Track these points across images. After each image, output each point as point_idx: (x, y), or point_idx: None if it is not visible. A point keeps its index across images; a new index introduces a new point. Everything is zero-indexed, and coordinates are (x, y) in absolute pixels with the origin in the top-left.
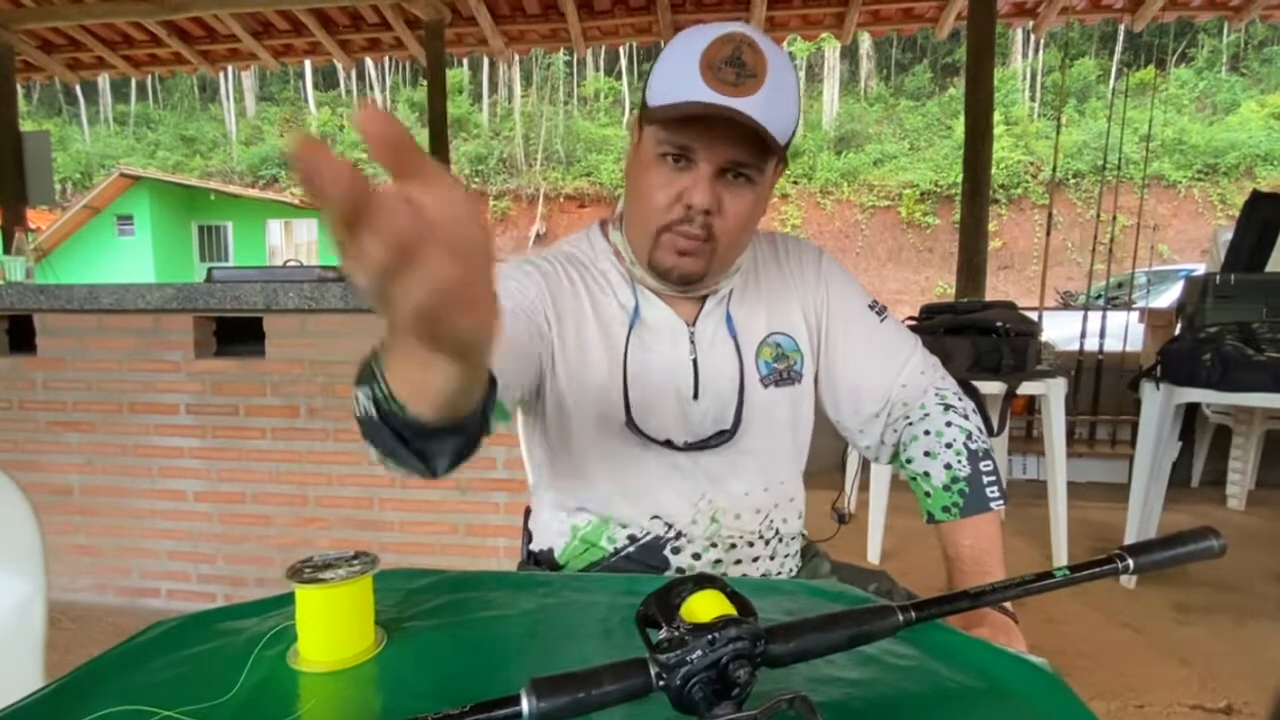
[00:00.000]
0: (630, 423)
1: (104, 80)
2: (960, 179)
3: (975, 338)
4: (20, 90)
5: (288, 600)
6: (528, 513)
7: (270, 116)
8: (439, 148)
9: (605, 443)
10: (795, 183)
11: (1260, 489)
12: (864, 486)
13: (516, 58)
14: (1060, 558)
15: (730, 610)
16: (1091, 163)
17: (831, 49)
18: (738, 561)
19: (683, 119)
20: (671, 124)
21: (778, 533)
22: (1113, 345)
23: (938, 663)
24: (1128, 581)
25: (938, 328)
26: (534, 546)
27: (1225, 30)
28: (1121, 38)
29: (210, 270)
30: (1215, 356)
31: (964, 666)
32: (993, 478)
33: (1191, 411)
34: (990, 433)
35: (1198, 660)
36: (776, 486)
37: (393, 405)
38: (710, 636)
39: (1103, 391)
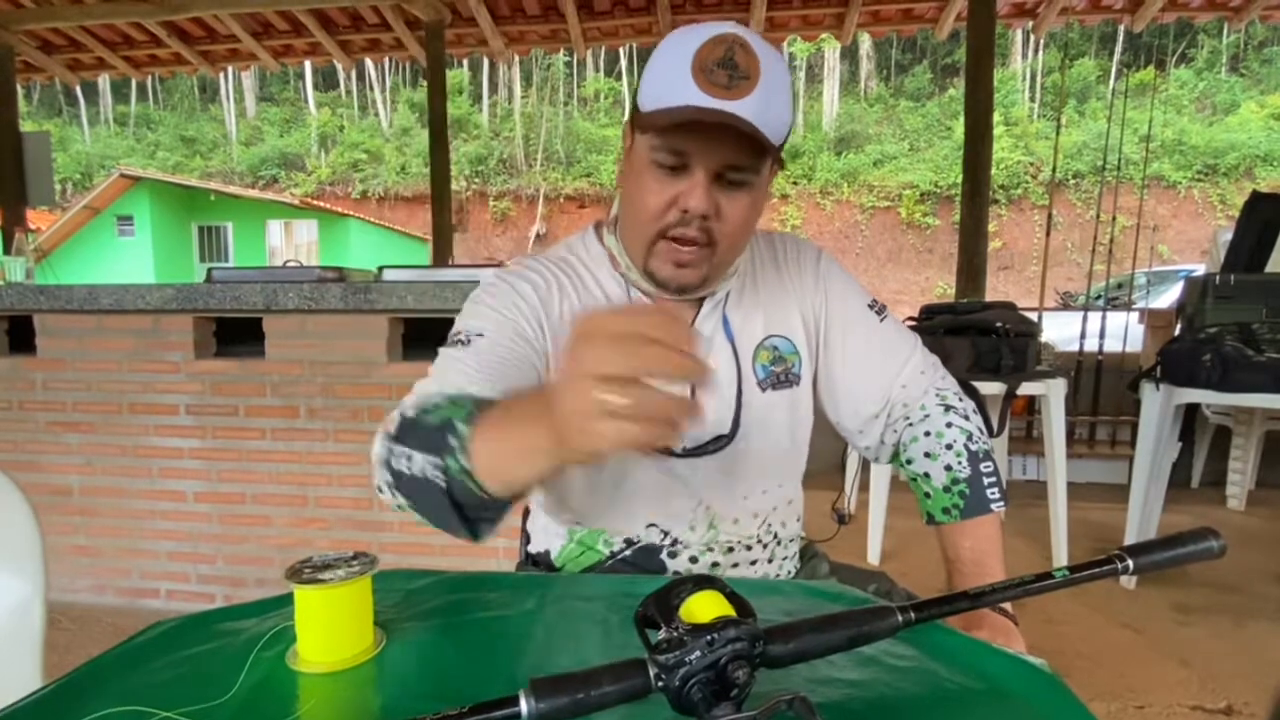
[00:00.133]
0: None
1: (104, 81)
2: (960, 179)
3: (975, 338)
4: (20, 91)
5: (287, 601)
6: (526, 514)
7: (270, 117)
8: (439, 148)
9: None
10: (795, 183)
11: (1260, 489)
12: (864, 487)
13: (516, 58)
14: (1060, 558)
15: (729, 611)
16: (1091, 163)
17: (831, 49)
18: (735, 565)
19: (677, 125)
20: (665, 130)
21: (776, 536)
22: (1112, 346)
23: (937, 663)
24: (1127, 582)
25: (937, 328)
26: (532, 548)
27: (1225, 31)
28: (1121, 38)
29: (210, 271)
30: (1215, 357)
31: (963, 667)
32: (993, 479)
33: (1191, 412)
34: (990, 433)
35: (1198, 661)
36: (775, 490)
37: (470, 483)
38: (709, 637)
39: (1102, 392)
